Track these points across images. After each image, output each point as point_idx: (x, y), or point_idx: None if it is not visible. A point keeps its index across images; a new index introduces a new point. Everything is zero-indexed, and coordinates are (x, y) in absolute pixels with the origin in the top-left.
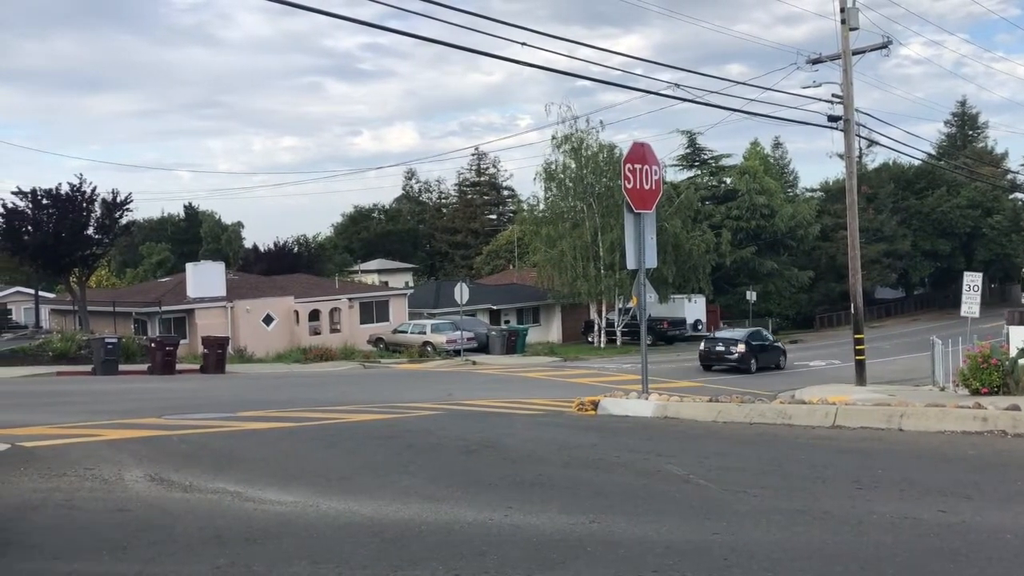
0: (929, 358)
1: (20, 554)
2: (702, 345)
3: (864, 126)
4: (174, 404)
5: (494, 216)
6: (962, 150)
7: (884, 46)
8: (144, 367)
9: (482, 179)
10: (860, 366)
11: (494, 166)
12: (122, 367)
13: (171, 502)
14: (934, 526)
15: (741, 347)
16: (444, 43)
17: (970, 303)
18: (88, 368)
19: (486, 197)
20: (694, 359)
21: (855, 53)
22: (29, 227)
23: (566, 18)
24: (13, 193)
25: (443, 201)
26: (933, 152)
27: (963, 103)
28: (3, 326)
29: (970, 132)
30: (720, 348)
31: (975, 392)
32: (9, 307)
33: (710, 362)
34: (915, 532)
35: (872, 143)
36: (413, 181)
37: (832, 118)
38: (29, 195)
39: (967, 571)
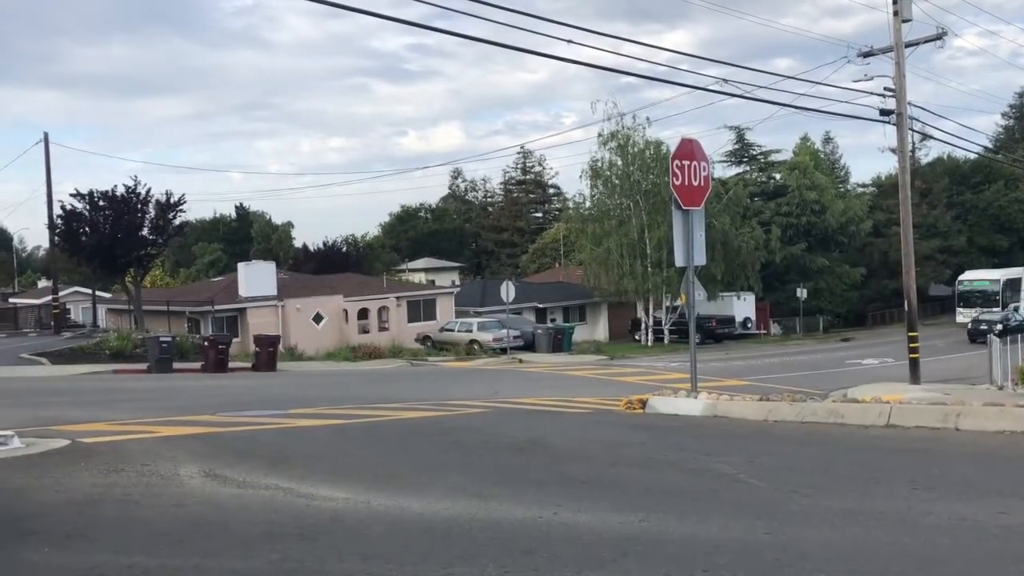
0: (986, 356)
1: (82, 547)
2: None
3: (917, 120)
4: (227, 401)
5: (540, 214)
6: (1021, 143)
7: (938, 37)
8: (198, 365)
9: (528, 177)
10: (914, 364)
11: (540, 164)
12: (176, 365)
13: (226, 498)
14: (994, 528)
15: (999, 326)
16: (489, 42)
17: None
18: (144, 366)
19: (532, 195)
20: (744, 357)
21: (908, 45)
22: (86, 228)
23: (611, 15)
24: (71, 195)
25: (489, 200)
26: (990, 145)
27: (1021, 94)
28: (62, 325)
29: None
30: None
31: None
32: (68, 306)
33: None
34: (974, 535)
35: (926, 137)
36: (459, 180)
37: (884, 112)
38: (86, 197)
39: None
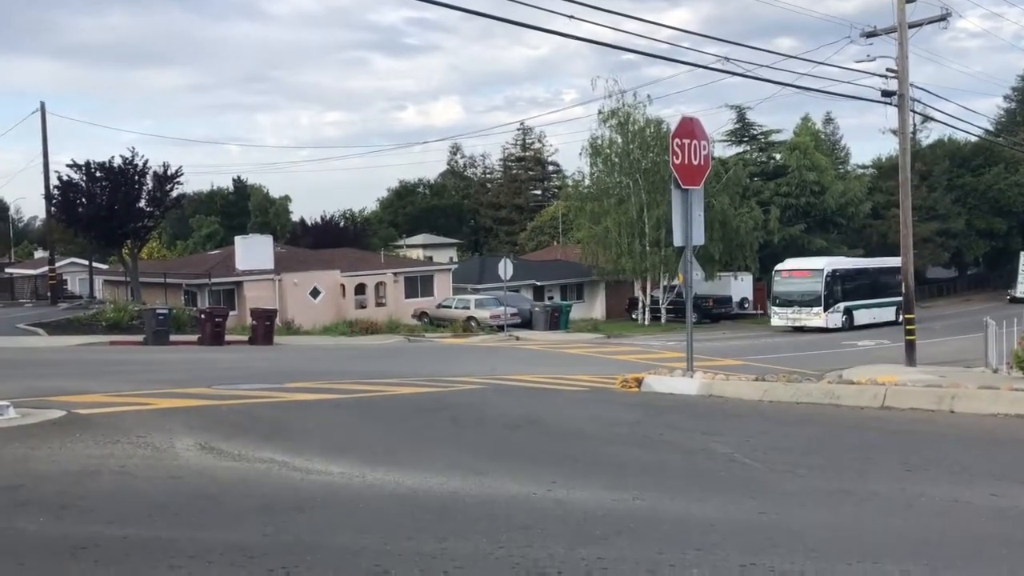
0: (982, 339)
1: (76, 517)
2: None
3: (919, 101)
4: (224, 374)
5: (539, 191)
6: (1022, 126)
7: (942, 18)
8: (194, 338)
9: (527, 154)
10: (910, 346)
11: (539, 141)
12: (173, 337)
13: (221, 471)
14: (986, 511)
15: None
16: (490, 16)
17: None
18: (140, 338)
19: (531, 172)
20: (740, 337)
21: (911, 26)
22: (83, 199)
23: None
24: (68, 166)
25: (488, 176)
26: (991, 128)
27: (1023, 77)
28: (59, 296)
29: None
30: None
31: None
32: (64, 277)
33: None
34: (966, 516)
35: (927, 119)
36: (458, 156)
37: (886, 93)
38: (83, 168)
39: (1020, 558)
